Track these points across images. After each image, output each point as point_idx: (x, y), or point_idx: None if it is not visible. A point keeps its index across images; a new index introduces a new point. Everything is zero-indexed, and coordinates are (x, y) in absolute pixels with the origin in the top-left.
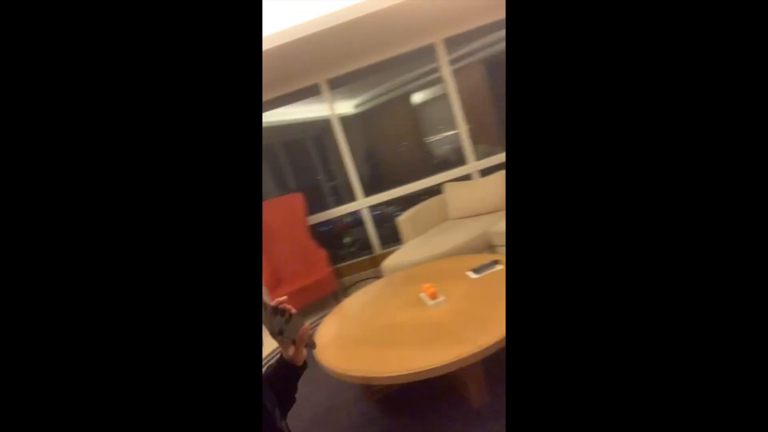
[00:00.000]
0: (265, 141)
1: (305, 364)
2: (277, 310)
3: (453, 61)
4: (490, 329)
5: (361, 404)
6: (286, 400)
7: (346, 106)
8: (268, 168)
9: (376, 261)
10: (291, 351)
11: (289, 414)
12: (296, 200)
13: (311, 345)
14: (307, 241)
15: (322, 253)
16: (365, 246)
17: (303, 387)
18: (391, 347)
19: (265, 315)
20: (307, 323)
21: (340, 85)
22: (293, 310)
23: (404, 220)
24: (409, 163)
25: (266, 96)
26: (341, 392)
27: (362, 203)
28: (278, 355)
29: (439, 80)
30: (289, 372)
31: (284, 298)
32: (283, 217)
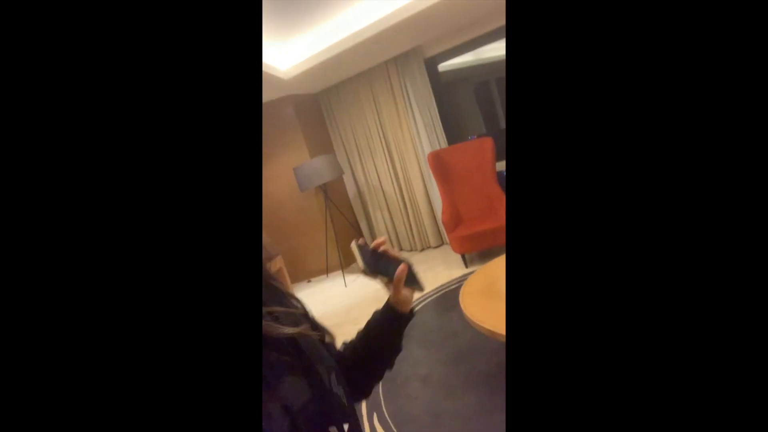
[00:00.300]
0: (480, 78)
1: (412, 312)
2: (375, 252)
3: None
4: None
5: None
6: (391, 348)
7: None
8: (480, 105)
9: None
10: (392, 292)
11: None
12: (486, 144)
13: (417, 287)
14: (493, 186)
15: (505, 201)
16: None
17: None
18: None
19: (364, 255)
20: (404, 264)
21: None
22: (392, 252)
23: None
24: None
25: (483, 30)
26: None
27: None
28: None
29: None
30: (393, 318)
31: (383, 239)
32: (471, 160)
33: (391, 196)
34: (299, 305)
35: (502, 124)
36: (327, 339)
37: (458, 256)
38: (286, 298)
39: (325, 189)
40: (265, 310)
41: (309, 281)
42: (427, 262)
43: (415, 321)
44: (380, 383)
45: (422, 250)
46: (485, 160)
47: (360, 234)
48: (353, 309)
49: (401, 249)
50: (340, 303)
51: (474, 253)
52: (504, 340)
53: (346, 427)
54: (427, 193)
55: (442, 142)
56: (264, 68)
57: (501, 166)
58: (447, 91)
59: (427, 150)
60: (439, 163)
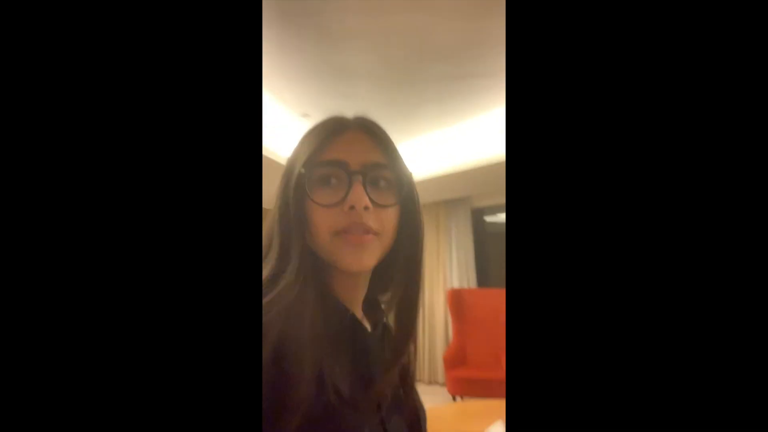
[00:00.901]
0: None
1: None
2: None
3: None
4: None
5: None
6: None
7: None
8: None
9: None
10: None
11: None
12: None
13: None
14: (503, 338)
15: None
16: None
17: None
18: None
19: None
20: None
21: None
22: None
23: None
24: None
25: None
26: None
27: None
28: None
29: None
30: None
31: None
32: (490, 306)
33: None
34: None
35: None
36: None
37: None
38: None
39: None
40: None
41: None
42: (430, 396)
43: None
44: None
45: (429, 383)
46: (502, 311)
47: None
48: None
49: None
50: None
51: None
52: None
53: None
54: (446, 328)
55: (472, 284)
56: None
57: None
58: (488, 241)
59: (456, 287)
60: (457, 301)
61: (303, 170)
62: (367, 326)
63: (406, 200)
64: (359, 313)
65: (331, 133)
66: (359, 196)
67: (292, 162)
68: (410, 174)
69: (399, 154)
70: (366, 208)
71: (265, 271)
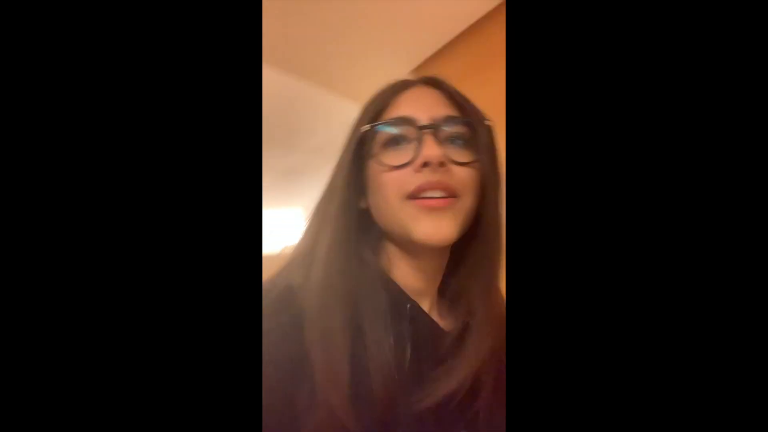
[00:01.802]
0: None
1: None
2: None
3: None
4: None
5: None
6: None
7: None
8: None
9: None
10: None
11: None
12: None
13: None
14: None
15: None
16: None
17: None
18: None
19: None
20: None
21: None
22: None
23: None
24: None
25: None
26: None
27: None
28: None
29: None
30: None
31: None
32: None
33: None
34: None
35: None
36: None
37: None
38: None
39: None
40: None
41: None
42: None
43: None
44: None
45: None
46: None
47: None
48: None
49: None
50: None
51: None
52: None
53: None
54: None
55: None
56: None
57: None
58: None
59: None
60: None
61: (367, 128)
62: (441, 322)
63: (487, 157)
64: (428, 306)
65: (394, 91)
66: (433, 150)
67: (353, 127)
68: (490, 126)
69: (473, 106)
70: (442, 164)
71: (304, 243)
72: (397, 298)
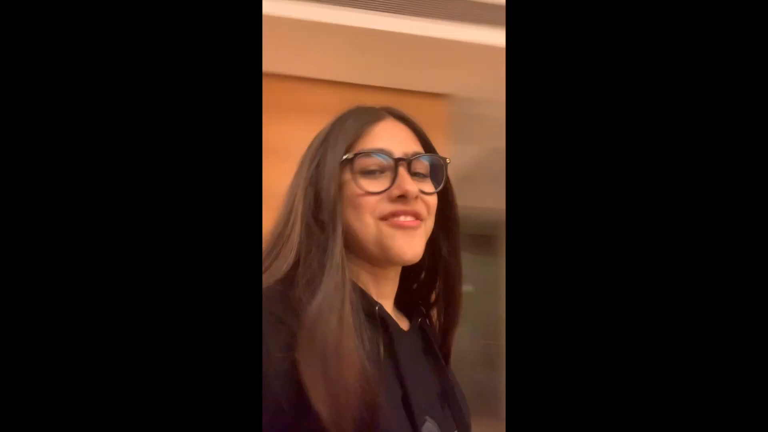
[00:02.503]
0: None
1: None
2: None
3: None
4: None
5: None
6: None
7: None
8: None
9: None
10: None
11: None
12: None
13: None
14: None
15: None
16: None
17: None
18: None
19: None
20: None
21: None
22: None
23: None
24: None
25: None
26: None
27: None
28: None
29: None
30: None
31: None
32: None
33: None
34: None
35: None
36: None
37: None
38: None
39: None
40: None
41: None
42: None
43: None
44: None
45: None
46: None
47: None
48: None
49: None
50: None
51: None
52: None
53: None
54: None
55: None
56: None
57: None
58: None
59: None
60: None
61: (350, 156)
62: (400, 324)
63: (444, 188)
64: (389, 310)
65: (367, 122)
66: (410, 185)
67: (320, 148)
68: (446, 161)
69: (431, 143)
70: (416, 196)
71: (286, 256)
72: (366, 300)
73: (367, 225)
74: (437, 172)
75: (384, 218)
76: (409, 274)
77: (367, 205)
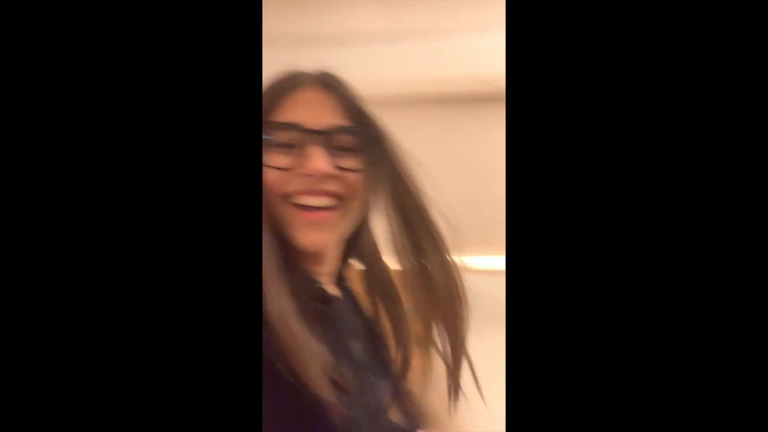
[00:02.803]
0: None
1: None
2: None
3: None
4: None
5: None
6: None
7: None
8: None
9: None
10: None
11: None
12: None
13: None
14: None
15: None
16: None
17: None
18: None
19: None
20: None
21: None
22: None
23: None
24: None
25: None
26: None
27: None
28: None
29: None
30: None
31: None
32: None
33: None
34: None
35: None
36: None
37: None
38: None
39: None
40: None
41: None
42: None
43: None
44: None
45: None
46: None
47: None
48: None
49: None
50: None
51: None
52: None
53: None
54: None
55: None
56: None
57: None
58: None
59: None
60: None
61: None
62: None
63: (380, 163)
64: (332, 288)
65: (282, 90)
66: (320, 164)
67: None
68: (384, 133)
69: (368, 112)
70: (325, 175)
71: None
72: (306, 278)
73: (271, 203)
74: (367, 146)
75: (291, 196)
76: (348, 248)
77: (270, 180)
